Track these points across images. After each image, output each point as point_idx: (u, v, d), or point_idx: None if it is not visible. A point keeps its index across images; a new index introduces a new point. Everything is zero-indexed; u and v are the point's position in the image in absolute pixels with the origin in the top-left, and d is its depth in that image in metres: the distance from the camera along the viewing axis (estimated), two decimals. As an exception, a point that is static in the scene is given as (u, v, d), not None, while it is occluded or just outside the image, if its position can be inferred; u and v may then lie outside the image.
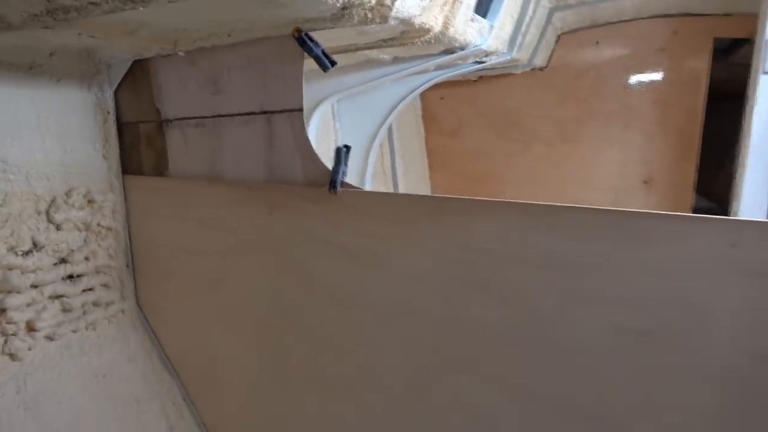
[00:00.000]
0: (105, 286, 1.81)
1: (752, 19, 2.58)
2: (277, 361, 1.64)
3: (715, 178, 4.47)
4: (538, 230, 1.36)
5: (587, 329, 1.33)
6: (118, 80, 1.79)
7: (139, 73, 1.78)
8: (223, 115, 1.67)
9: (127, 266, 1.89)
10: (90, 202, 1.72)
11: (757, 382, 1.20)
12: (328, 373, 1.57)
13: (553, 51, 3.85)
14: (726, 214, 2.69)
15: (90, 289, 1.76)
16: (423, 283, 1.47)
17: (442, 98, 4.13)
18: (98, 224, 1.75)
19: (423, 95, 4.04)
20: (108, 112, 1.78)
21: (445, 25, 1.84)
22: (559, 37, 3.81)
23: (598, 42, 3.77)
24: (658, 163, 3.75)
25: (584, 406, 1.37)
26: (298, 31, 1.45)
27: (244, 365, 1.72)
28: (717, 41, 3.64)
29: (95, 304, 1.76)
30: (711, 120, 3.70)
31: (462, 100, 4.10)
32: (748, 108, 2.55)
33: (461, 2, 1.84)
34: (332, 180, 1.44)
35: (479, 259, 1.42)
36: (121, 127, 1.85)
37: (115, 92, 1.81)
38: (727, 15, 3.47)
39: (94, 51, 1.62)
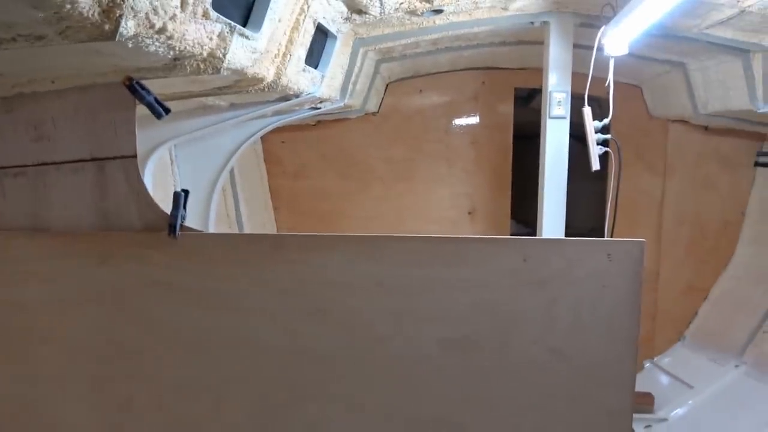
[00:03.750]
0: None
1: (541, 72, 3.11)
2: (118, 412, 1.57)
3: (530, 208, 5.15)
4: (370, 260, 1.51)
5: (417, 344, 1.50)
6: None
7: (-56, 120, 1.63)
8: (48, 164, 1.60)
9: (-69, 334, 1.67)
10: None
11: (554, 374, 1.45)
12: (174, 417, 1.54)
13: (383, 98, 4.21)
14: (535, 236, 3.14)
15: None
16: (268, 318, 1.54)
17: (283, 142, 4.26)
18: None
19: (264, 139, 4.14)
20: None
21: (278, 75, 1.97)
22: (387, 85, 4.18)
23: (421, 90, 4.22)
24: (479, 195, 4.26)
25: (423, 412, 1.53)
26: (129, 79, 1.47)
27: (79, 424, 1.61)
28: (517, 90, 4.29)
29: None
30: (526, 157, 4.30)
31: (303, 143, 4.28)
32: (542, 147, 3.05)
33: (291, 55, 1.99)
34: (171, 224, 1.46)
35: (320, 290, 1.53)
36: (-77, 180, 1.66)
37: None
38: (522, 69, 4.11)
39: None
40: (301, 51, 2.07)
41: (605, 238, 1.38)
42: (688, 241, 4.14)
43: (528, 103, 4.61)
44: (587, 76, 2.64)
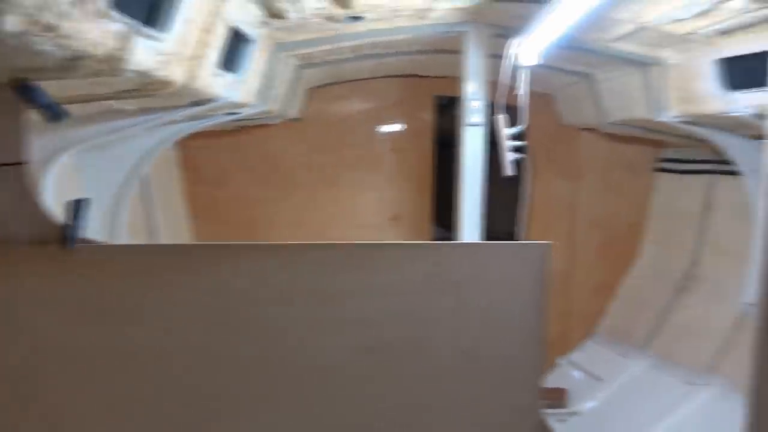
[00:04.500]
0: None
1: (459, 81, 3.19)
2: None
3: (453, 212, 5.24)
4: (282, 268, 1.48)
5: (333, 352, 1.48)
6: None
7: None
8: (-74, 171, 1.46)
9: None
10: None
11: (466, 375, 1.48)
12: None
13: (305, 104, 4.16)
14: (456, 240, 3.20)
15: None
16: (177, 331, 1.47)
17: (201, 148, 4.11)
18: None
19: (182, 145, 3.98)
20: None
21: (189, 78, 1.90)
22: (309, 91, 4.15)
23: (344, 97, 4.22)
24: (402, 201, 4.31)
25: (341, 420, 1.51)
26: (18, 80, 1.37)
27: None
28: (438, 98, 4.38)
29: None
30: (450, 163, 4.39)
31: (223, 149, 4.15)
32: (460, 152, 3.12)
33: (204, 58, 1.92)
34: (66, 236, 1.37)
35: (232, 300, 1.48)
36: None
37: None
38: (442, 77, 4.20)
39: None
40: (214, 54, 2.01)
41: (513, 242, 1.44)
42: (598, 243, 4.37)
43: (451, 110, 4.72)
44: (504, 85, 2.73)
